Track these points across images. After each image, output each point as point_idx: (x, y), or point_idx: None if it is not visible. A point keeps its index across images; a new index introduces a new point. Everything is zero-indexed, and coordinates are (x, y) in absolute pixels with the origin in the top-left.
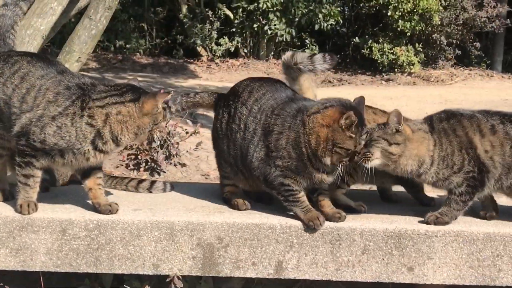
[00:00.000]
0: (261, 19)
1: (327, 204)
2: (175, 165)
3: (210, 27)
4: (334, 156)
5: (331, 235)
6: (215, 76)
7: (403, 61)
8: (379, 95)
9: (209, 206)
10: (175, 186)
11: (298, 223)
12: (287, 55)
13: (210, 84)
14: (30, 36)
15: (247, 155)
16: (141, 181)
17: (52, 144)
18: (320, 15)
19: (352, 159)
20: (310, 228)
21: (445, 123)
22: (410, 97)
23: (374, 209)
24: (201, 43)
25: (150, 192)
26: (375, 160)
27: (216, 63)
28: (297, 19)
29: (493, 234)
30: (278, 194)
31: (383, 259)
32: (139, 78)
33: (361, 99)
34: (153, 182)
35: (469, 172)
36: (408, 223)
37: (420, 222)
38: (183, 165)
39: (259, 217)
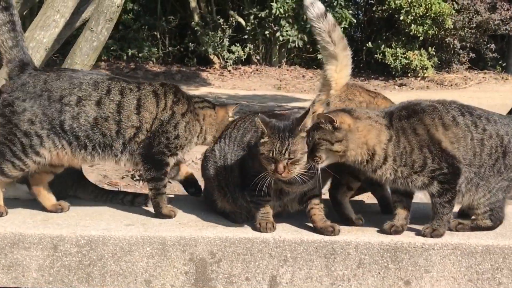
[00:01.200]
0: (273, 26)
1: (319, 218)
2: None
3: (222, 34)
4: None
5: (326, 249)
6: (227, 83)
7: (416, 65)
8: (392, 100)
9: (203, 220)
10: (172, 200)
11: (291, 237)
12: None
13: (222, 92)
14: (33, 49)
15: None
16: (136, 195)
17: (184, 138)
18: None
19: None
20: (257, 229)
21: (405, 122)
22: None
23: (371, 221)
24: (213, 51)
25: (146, 206)
26: (324, 161)
27: (229, 71)
28: (309, 25)
29: (492, 247)
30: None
31: (379, 273)
32: None
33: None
34: (148, 197)
35: (435, 170)
36: (404, 236)
37: (416, 234)
38: None
39: (252, 232)
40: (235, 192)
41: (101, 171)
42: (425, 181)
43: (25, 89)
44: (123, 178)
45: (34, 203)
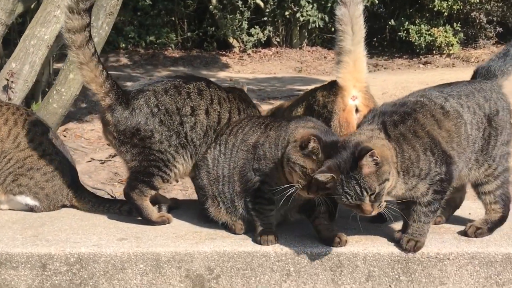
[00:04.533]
0: (293, 6)
1: (324, 228)
2: None
3: (240, 17)
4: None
5: (331, 261)
6: (247, 67)
7: (441, 42)
8: (416, 80)
9: (202, 231)
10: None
11: (294, 249)
12: None
13: (241, 76)
14: (35, 46)
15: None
16: None
17: None
18: None
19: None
20: (257, 242)
21: (402, 127)
22: (448, 81)
23: (379, 230)
24: (232, 34)
25: None
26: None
27: (248, 54)
28: (329, 4)
29: None
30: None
31: (390, 286)
32: (170, 73)
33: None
34: None
35: (436, 175)
36: None
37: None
38: None
39: (252, 245)
40: (234, 201)
41: (112, 168)
42: (424, 189)
43: None
44: None
45: (27, 215)
